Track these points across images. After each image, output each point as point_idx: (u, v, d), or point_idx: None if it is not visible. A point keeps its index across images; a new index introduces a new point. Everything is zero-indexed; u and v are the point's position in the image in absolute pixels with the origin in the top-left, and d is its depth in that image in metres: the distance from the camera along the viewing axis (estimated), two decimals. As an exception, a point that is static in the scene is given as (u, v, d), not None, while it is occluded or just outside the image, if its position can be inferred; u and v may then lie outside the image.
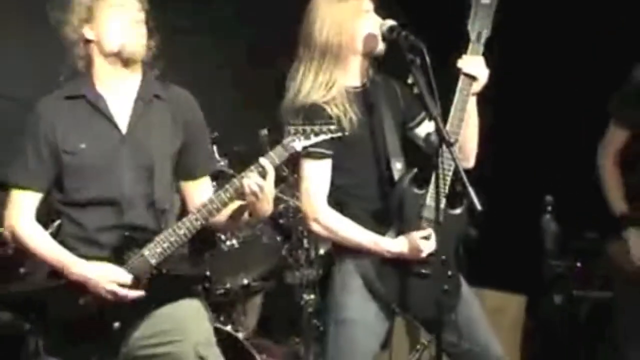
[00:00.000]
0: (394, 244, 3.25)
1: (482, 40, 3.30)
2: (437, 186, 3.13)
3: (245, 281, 4.45)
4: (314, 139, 3.11)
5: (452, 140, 3.11)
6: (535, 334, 5.22)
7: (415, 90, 3.17)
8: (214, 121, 3.35)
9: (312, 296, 4.44)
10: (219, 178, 4.02)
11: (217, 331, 3.39)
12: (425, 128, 3.39)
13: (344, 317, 3.26)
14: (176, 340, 3.13)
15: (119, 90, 3.23)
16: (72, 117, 3.20)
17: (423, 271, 3.26)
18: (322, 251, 4.33)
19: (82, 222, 3.15)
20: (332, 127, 3.14)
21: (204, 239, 4.01)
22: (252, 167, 3.09)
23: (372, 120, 3.35)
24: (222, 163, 4.30)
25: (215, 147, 4.21)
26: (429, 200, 3.24)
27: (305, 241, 4.48)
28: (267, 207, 3.15)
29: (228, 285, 4.42)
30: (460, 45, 3.32)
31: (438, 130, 3.09)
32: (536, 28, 5.76)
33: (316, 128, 3.12)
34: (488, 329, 3.38)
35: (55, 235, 3.22)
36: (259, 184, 3.06)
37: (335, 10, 3.31)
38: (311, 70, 3.30)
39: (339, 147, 3.24)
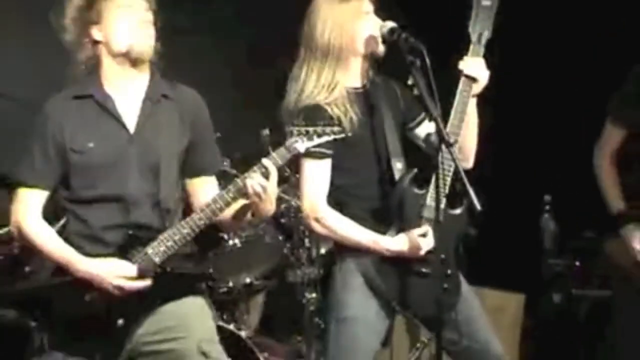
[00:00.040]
0: (392, 242, 3.26)
1: (483, 41, 3.32)
2: (437, 186, 3.14)
3: (248, 280, 4.47)
4: (316, 140, 3.11)
5: (452, 140, 3.12)
6: (534, 333, 5.22)
7: (416, 92, 3.18)
8: (213, 121, 3.35)
9: (314, 295, 4.45)
10: (221, 178, 4.03)
11: (220, 329, 3.40)
12: (425, 128, 3.40)
13: (345, 315, 3.27)
14: (180, 336, 3.13)
15: (127, 90, 3.23)
16: (80, 116, 3.20)
17: (423, 270, 3.27)
18: (323, 250, 4.32)
19: (87, 219, 3.16)
20: (335, 129, 3.14)
21: (209, 237, 4.02)
22: (255, 168, 3.09)
23: (373, 121, 3.36)
24: (225, 163, 4.27)
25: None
26: (429, 200, 3.25)
27: (306, 240, 4.49)
28: (270, 207, 3.16)
29: (231, 284, 4.43)
30: (460, 47, 3.33)
31: (438, 131, 3.11)
32: (536, 30, 5.76)
33: (319, 129, 3.11)
34: (488, 327, 3.39)
35: (60, 233, 3.22)
36: (262, 184, 3.07)
37: (336, 12, 3.32)
38: (314, 72, 3.31)
39: (339, 147, 3.25)
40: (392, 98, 3.44)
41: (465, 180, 3.05)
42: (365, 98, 3.38)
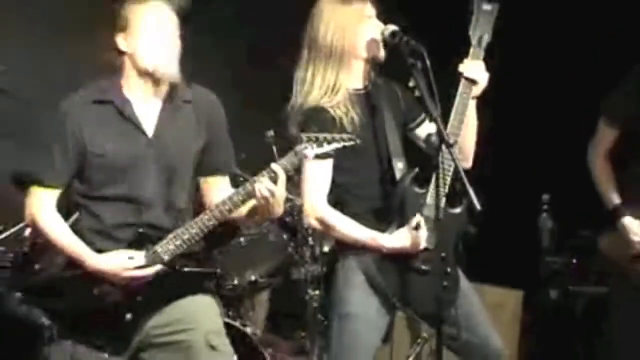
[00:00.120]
0: (390, 240, 3.28)
1: (483, 45, 3.35)
2: (437, 186, 3.17)
3: (253, 278, 4.47)
4: (326, 148, 3.10)
5: (452, 141, 3.14)
6: (533, 329, 5.23)
7: (417, 93, 3.20)
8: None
9: (317, 292, 4.46)
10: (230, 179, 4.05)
11: (227, 326, 3.40)
12: (426, 129, 3.44)
13: (347, 311, 3.30)
14: (189, 328, 3.16)
15: (147, 96, 3.23)
16: (99, 120, 3.19)
17: (423, 268, 3.30)
18: (326, 248, 4.34)
19: (100, 215, 3.18)
20: (346, 137, 3.14)
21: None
22: (264, 172, 3.10)
23: (375, 122, 3.38)
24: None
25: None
26: (430, 200, 3.26)
27: (310, 239, 4.49)
28: (277, 209, 3.18)
29: (236, 282, 4.44)
30: (460, 50, 3.35)
31: (439, 132, 3.13)
32: (535, 34, 5.77)
33: (329, 137, 3.10)
34: (488, 322, 3.41)
35: (73, 228, 3.23)
36: (270, 189, 3.09)
37: (339, 15, 3.34)
38: (318, 74, 3.33)
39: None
40: (394, 99, 3.46)
41: (465, 180, 3.07)
42: (367, 99, 3.40)
